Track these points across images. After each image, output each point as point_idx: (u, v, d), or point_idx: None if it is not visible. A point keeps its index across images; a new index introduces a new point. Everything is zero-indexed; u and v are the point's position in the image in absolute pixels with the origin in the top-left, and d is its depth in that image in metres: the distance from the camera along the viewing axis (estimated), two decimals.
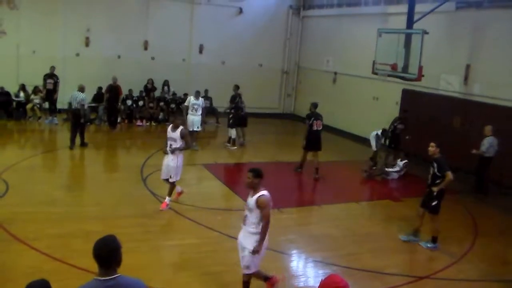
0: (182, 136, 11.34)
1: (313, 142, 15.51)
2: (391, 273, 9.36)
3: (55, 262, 8.34)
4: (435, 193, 10.52)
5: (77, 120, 16.36)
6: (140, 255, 8.81)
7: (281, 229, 10.76)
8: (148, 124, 21.75)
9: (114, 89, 19.92)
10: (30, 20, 20.82)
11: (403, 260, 10.09)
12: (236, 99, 18.93)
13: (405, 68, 16.20)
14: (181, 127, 11.45)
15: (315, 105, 15.86)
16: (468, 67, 16.63)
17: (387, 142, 16.74)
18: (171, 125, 11.66)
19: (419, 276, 9.28)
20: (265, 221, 7.19)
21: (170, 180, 11.57)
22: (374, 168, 16.48)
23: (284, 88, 26.63)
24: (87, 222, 9.97)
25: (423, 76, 15.44)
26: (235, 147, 18.62)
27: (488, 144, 14.84)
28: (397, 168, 16.45)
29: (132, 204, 11.80)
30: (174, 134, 11.39)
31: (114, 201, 11.98)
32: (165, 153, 11.64)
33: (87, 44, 21.94)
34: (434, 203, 10.57)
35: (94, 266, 7.55)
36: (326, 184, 15.30)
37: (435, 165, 10.52)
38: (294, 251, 10.11)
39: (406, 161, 16.48)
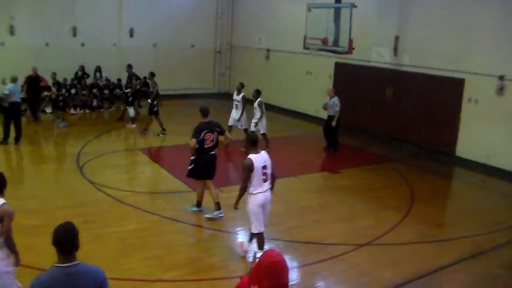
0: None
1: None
2: (333, 243, 9.57)
3: None
4: (191, 157, 10.50)
5: (17, 113, 15.85)
6: (81, 245, 8.65)
7: (223, 208, 10.77)
8: (82, 111, 21.31)
9: (34, 79, 18.99)
10: None
11: (344, 230, 10.29)
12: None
13: (336, 42, 16.40)
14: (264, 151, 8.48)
15: (152, 74, 18.29)
16: (397, 38, 17.02)
17: None
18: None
19: (360, 244, 9.51)
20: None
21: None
22: None
23: (217, 68, 26.52)
24: (26, 216, 9.67)
25: (353, 49, 15.68)
26: (134, 125, 18.79)
27: (338, 103, 15.83)
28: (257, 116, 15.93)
29: (70, 194, 11.58)
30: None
31: (51, 192, 11.73)
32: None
33: (11, 33, 21.08)
34: (189, 167, 10.52)
35: (37, 261, 7.49)
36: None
37: None
38: (238, 229, 10.13)
39: (260, 99, 15.83)
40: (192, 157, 10.35)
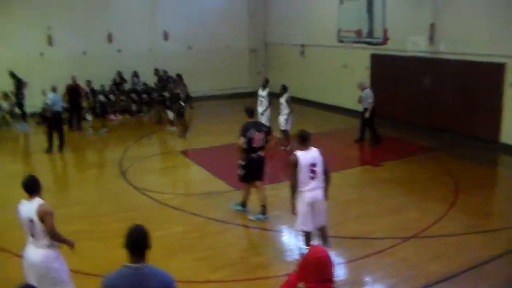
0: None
1: None
2: (379, 237, 9.51)
3: None
4: (242, 163, 10.36)
5: (59, 122, 16.23)
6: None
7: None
8: (121, 117, 21.63)
9: (73, 88, 19.17)
10: None
11: (389, 223, 10.18)
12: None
13: (370, 33, 16.30)
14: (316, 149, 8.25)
15: (179, 76, 18.85)
16: (432, 26, 16.72)
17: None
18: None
19: (406, 237, 9.42)
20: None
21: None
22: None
23: (253, 66, 26.55)
24: (72, 222, 9.89)
25: (388, 39, 15.51)
26: (174, 128, 18.71)
27: (371, 94, 15.74)
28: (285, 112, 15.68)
29: (114, 199, 11.79)
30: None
31: (96, 198, 11.95)
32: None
33: (50, 43, 21.55)
34: (239, 172, 10.42)
35: (84, 266, 7.65)
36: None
37: None
38: (282, 227, 10.16)
39: (288, 94, 15.64)
40: (241, 162, 10.31)
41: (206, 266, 8.49)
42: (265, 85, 16.49)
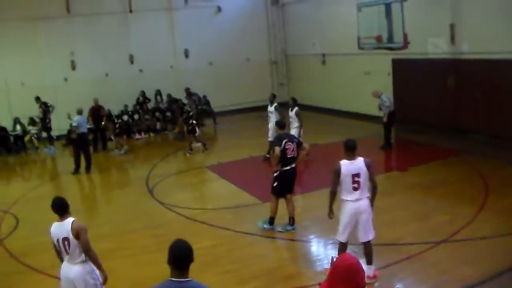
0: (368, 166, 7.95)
1: None
2: (409, 242, 9.36)
3: None
4: (274, 174, 10.26)
5: (85, 143, 16.50)
6: (157, 267, 8.69)
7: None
8: (146, 135, 21.81)
9: (96, 110, 19.37)
10: (14, 53, 20.77)
11: (418, 228, 10.04)
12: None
13: (390, 38, 16.20)
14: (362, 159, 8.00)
15: (189, 93, 19.61)
16: (452, 26, 16.53)
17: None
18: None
19: (437, 241, 9.26)
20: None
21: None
22: None
23: (275, 78, 26.58)
24: (101, 241, 9.92)
25: (409, 43, 15.39)
26: (199, 144, 18.33)
27: (386, 100, 15.76)
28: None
29: (142, 216, 11.85)
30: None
31: (124, 216, 12.05)
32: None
33: (73, 68, 21.93)
34: (274, 184, 10.29)
35: (115, 284, 7.65)
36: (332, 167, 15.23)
37: None
38: (310, 237, 10.11)
39: (297, 108, 15.40)
40: (275, 174, 10.28)
41: (236, 278, 8.48)
42: (272, 100, 16.37)
